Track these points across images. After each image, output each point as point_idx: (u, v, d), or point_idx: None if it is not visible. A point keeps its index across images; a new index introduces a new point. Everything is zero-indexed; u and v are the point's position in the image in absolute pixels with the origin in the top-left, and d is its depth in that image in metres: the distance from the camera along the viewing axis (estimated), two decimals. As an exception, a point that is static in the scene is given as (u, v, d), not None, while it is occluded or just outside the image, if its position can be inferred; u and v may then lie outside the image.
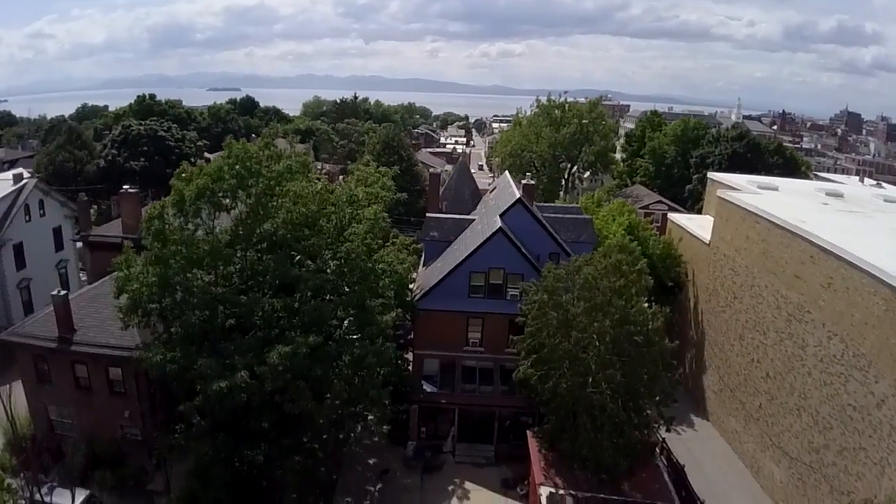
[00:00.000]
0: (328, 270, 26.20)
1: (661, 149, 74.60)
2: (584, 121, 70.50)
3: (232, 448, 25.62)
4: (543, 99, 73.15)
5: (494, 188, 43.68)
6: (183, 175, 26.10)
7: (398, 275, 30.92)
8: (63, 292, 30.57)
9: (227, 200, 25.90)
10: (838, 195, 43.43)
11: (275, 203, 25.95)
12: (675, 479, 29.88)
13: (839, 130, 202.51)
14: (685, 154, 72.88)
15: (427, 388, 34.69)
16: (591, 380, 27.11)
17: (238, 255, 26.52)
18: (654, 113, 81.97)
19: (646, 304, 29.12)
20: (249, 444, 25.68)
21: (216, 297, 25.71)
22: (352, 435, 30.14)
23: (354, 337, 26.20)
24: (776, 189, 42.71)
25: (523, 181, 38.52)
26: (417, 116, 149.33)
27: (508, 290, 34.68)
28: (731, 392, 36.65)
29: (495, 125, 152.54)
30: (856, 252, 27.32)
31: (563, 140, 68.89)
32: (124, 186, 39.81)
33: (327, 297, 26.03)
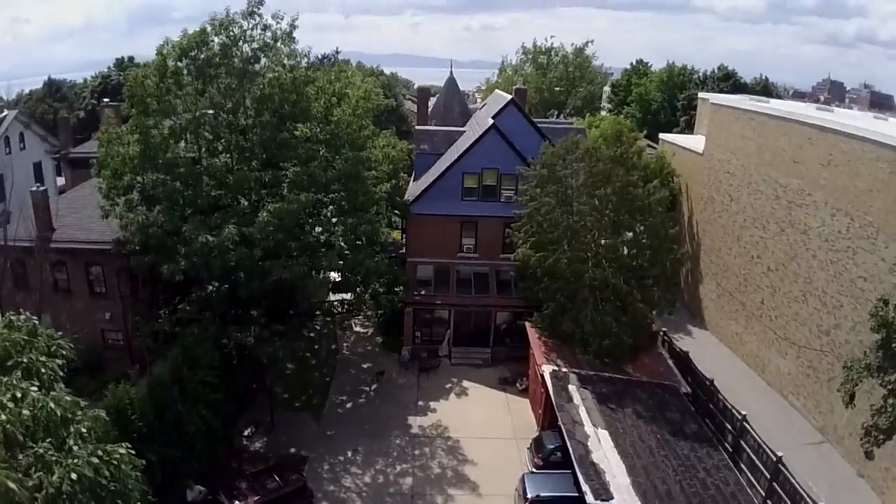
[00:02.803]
0: (318, 139, 25.10)
1: (648, 95, 73.92)
2: (569, 68, 69.97)
3: (220, 330, 24.56)
4: (529, 45, 72.21)
5: (485, 105, 42.76)
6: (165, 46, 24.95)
7: (391, 157, 29.93)
8: (42, 187, 29.15)
9: (211, 70, 24.68)
10: (829, 110, 43.23)
11: (261, 70, 24.88)
12: (680, 367, 29.22)
13: (821, 98, 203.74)
14: (671, 99, 72.29)
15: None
16: (592, 255, 26.38)
17: (224, 130, 25.38)
18: (640, 62, 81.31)
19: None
20: (239, 327, 24.68)
21: (201, 171, 24.58)
22: (346, 325, 29.17)
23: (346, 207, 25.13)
24: (768, 102, 42.28)
25: (515, 87, 37.58)
26: (401, 86, 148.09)
27: (502, 191, 33.81)
28: (731, 295, 36.09)
29: (478, 95, 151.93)
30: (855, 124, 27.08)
31: (550, 84, 68.01)
32: (104, 100, 38.32)
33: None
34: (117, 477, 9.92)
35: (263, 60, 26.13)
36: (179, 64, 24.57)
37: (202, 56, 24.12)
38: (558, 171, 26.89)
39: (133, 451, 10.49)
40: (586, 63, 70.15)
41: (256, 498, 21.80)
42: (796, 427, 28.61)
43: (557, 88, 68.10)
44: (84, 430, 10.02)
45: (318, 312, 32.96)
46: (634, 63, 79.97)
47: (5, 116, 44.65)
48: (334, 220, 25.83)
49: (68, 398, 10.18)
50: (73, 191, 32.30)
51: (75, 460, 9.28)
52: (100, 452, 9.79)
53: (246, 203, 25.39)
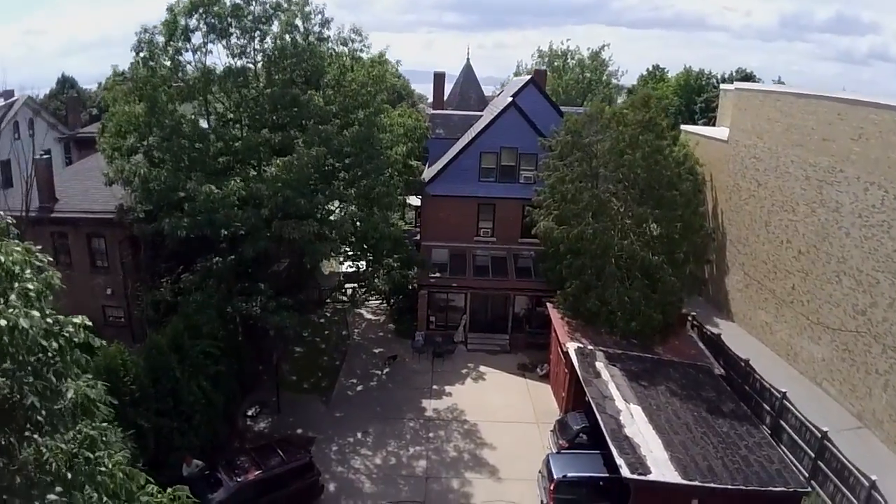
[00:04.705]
0: (331, 104, 23.92)
1: (665, 99, 72.70)
2: (585, 72, 69.19)
3: (224, 298, 23.23)
4: (545, 48, 71.42)
5: (502, 91, 41.67)
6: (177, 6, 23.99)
7: (406, 125, 28.74)
8: (46, 156, 28.10)
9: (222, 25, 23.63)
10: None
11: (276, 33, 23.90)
12: (711, 351, 27.65)
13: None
14: (689, 104, 71.08)
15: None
16: (619, 227, 24.96)
17: (234, 94, 24.29)
18: (657, 67, 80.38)
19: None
20: (245, 297, 23.34)
21: (208, 131, 23.46)
22: (359, 301, 27.80)
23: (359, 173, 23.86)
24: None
25: (535, 67, 36.46)
26: (417, 99, 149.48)
27: (522, 172, 32.50)
28: (759, 284, 34.45)
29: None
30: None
31: (566, 87, 67.03)
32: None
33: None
34: (67, 363, 7.99)
35: (276, 24, 25.15)
36: (190, 21, 23.55)
37: (214, 10, 23.09)
38: (583, 139, 25.59)
39: (89, 326, 8.52)
40: (602, 67, 69.21)
41: (258, 473, 20.21)
42: (833, 413, 26.77)
43: (574, 93, 66.96)
44: (31, 288, 7.94)
45: (328, 301, 31.68)
46: (651, 69, 79.01)
47: (15, 101, 43.89)
48: (348, 190, 24.60)
49: (19, 249, 8.26)
50: (78, 163, 31.37)
51: (11, 310, 7.33)
52: (49, 320, 7.79)
53: (255, 173, 24.26)
